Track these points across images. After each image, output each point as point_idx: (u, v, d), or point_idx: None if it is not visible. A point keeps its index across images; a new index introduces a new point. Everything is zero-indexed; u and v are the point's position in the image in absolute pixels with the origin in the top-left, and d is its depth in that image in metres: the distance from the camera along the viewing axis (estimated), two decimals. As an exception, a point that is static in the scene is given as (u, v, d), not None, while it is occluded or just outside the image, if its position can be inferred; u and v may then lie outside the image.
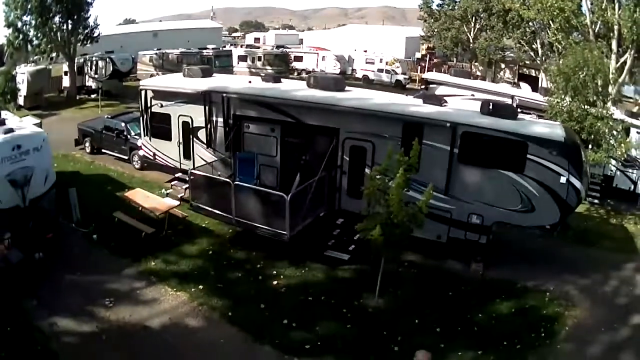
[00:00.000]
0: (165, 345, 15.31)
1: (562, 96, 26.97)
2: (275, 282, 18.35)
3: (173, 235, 21.73)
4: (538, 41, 54.71)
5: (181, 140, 25.22)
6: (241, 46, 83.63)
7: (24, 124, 24.31)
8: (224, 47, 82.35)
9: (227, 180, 20.35)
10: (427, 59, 79.45)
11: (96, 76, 58.06)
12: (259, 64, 67.30)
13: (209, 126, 23.68)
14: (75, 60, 57.92)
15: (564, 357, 14.87)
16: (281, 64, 68.29)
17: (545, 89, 35.67)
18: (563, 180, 17.51)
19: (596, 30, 34.94)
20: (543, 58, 54.74)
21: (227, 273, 18.99)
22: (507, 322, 16.29)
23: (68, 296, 17.44)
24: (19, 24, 51.77)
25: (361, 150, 20.27)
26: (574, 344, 15.46)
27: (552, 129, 18.97)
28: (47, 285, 17.95)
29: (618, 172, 28.65)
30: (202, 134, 24.16)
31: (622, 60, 32.58)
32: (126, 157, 32.29)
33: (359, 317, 16.44)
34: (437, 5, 78.63)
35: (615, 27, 32.10)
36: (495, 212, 18.56)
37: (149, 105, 26.05)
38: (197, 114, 24.08)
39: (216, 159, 23.64)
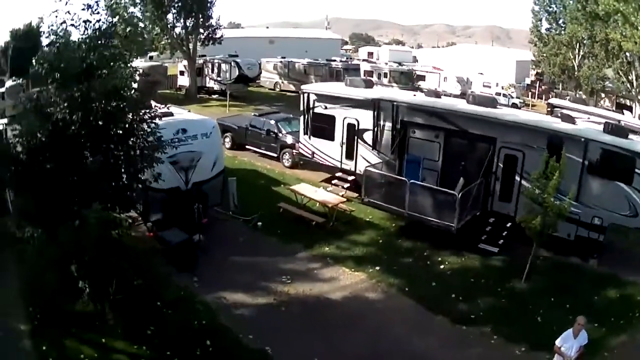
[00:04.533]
0: (349, 313, 17.58)
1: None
2: (441, 267, 21.05)
3: (340, 226, 24.13)
4: (633, 72, 56.10)
5: (344, 141, 27.88)
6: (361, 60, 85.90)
7: (182, 111, 24.89)
8: (350, 60, 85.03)
9: (404, 179, 23.20)
10: (537, 85, 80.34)
11: (219, 79, 60.44)
12: (384, 80, 68.95)
13: (376, 129, 26.41)
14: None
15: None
16: (407, 81, 69.67)
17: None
18: None
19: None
20: (638, 90, 56.33)
21: (398, 258, 21.55)
22: (614, 303, 19.07)
23: (238, 275, 19.36)
24: (125, 15, 46.76)
25: (513, 159, 23.03)
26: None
27: None
28: (214, 265, 19.69)
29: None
30: (367, 136, 26.89)
31: None
32: (275, 155, 34.57)
33: (510, 295, 19.28)
34: (546, 29, 78.71)
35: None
36: (611, 216, 21.26)
37: (311, 106, 28.96)
38: (363, 118, 26.84)
39: (380, 160, 26.23)
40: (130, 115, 15.05)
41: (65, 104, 13.80)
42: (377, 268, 20.54)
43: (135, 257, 15.01)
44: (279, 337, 15.70)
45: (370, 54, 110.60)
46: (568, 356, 13.16)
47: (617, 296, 19.67)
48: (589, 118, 35.24)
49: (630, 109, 60.96)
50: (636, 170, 20.53)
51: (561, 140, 21.37)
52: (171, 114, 21.23)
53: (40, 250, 13.35)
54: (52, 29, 14.49)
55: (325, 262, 20.99)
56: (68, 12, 14.58)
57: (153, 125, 15.68)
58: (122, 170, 15.15)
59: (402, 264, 21.20)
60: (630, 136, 22.65)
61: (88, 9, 15.03)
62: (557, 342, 13.41)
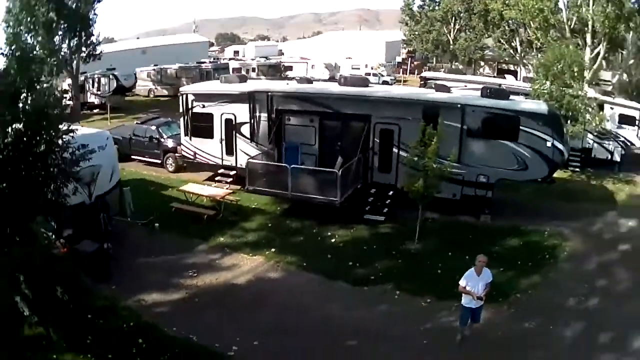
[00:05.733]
0: (257, 294, 18.44)
1: (543, 81, 31.41)
2: (332, 240, 22.26)
3: (230, 216, 24.89)
4: (517, 39, 59.11)
5: (223, 137, 28.43)
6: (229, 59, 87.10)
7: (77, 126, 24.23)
8: (218, 60, 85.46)
9: (285, 165, 24.15)
10: (408, 62, 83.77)
11: (99, 92, 59.85)
12: (253, 74, 69.49)
13: (252, 122, 27.19)
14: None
15: (565, 271, 19.62)
16: (275, 73, 71.59)
17: (529, 78, 40.43)
18: (549, 144, 22.31)
19: (572, 26, 39.47)
20: (522, 54, 59.40)
21: (290, 238, 22.61)
22: (517, 250, 20.88)
23: (149, 275, 19.60)
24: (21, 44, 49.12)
25: (389, 132, 24.42)
26: (572, 263, 20.20)
27: (537, 105, 24.28)
28: (124, 270, 19.72)
29: (595, 145, 33.24)
30: (245, 129, 27.59)
31: (595, 51, 37.20)
32: (159, 161, 34.17)
33: (406, 256, 20.78)
34: (418, 7, 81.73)
35: (589, 22, 36.61)
36: (498, 172, 23.16)
37: (189, 107, 29.20)
38: (240, 112, 27.51)
39: (260, 151, 26.94)
40: (51, 132, 15.22)
41: None
42: (273, 250, 21.43)
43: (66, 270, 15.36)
44: (198, 325, 16.40)
45: (236, 52, 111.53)
46: (476, 294, 14.10)
47: (519, 244, 21.53)
48: (465, 86, 37.55)
49: (514, 73, 64.30)
50: (521, 127, 22.39)
51: (437, 109, 22.70)
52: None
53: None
54: None
55: (224, 251, 21.73)
56: None
57: (66, 140, 15.86)
58: (45, 187, 15.31)
59: (295, 242, 22.26)
60: (512, 97, 24.65)
61: (14, 38, 15.36)
62: (461, 282, 14.29)
